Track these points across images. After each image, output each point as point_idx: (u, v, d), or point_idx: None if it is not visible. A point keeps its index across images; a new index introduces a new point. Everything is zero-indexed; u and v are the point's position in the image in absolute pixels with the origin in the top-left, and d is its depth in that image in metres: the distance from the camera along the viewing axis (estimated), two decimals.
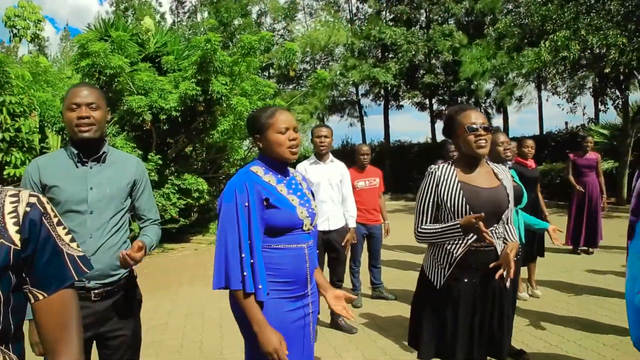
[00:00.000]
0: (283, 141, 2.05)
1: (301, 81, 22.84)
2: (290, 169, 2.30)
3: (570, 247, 7.12)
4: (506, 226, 2.33)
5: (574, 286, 5.43)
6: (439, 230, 2.23)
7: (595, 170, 7.07)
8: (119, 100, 8.56)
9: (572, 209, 7.15)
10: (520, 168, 4.85)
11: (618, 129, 13.00)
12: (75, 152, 2.14)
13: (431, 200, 2.30)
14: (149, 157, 8.57)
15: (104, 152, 2.19)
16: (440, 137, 24.41)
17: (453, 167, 2.31)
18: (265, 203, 1.99)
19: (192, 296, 5.96)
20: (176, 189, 9.12)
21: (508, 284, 2.31)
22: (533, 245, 4.97)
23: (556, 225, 3.53)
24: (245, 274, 1.89)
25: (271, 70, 23.29)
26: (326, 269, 4.36)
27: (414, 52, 16.83)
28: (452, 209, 2.22)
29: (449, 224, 2.20)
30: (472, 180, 2.25)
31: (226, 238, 1.94)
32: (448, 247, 2.26)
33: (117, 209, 2.17)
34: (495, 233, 2.24)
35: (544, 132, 17.91)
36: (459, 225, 2.15)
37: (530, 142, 5.39)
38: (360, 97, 22.08)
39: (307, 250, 2.07)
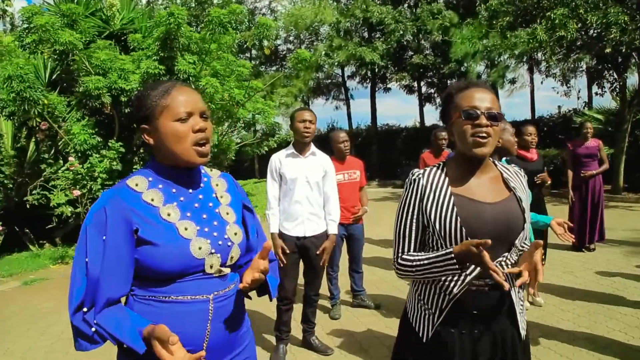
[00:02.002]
0: (184, 134, 1.36)
1: (285, 62, 21.90)
2: (212, 174, 1.58)
3: (573, 241, 6.51)
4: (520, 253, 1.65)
5: (579, 291, 4.82)
6: (426, 261, 1.55)
7: (599, 158, 6.42)
8: (74, 81, 7.69)
9: (574, 204, 6.49)
10: (522, 163, 4.17)
11: (613, 114, 12.43)
12: None
13: (414, 220, 1.61)
14: (110, 144, 7.75)
15: None
16: (429, 122, 23.79)
17: (444, 173, 1.62)
18: (135, 236, 1.32)
19: None
20: None
21: (524, 331, 1.63)
22: None
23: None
24: (93, 329, 1.30)
25: (253, 52, 22.32)
26: (301, 279, 3.68)
27: (401, 32, 16.03)
28: (443, 232, 1.53)
29: (438, 253, 1.52)
30: (471, 192, 1.57)
31: (74, 277, 1.33)
32: (439, 285, 1.58)
33: None
34: (506, 266, 1.56)
35: (536, 117, 17.33)
36: (452, 255, 1.47)
37: (531, 129, 4.67)
38: (346, 79, 21.26)
39: (212, 304, 1.38)
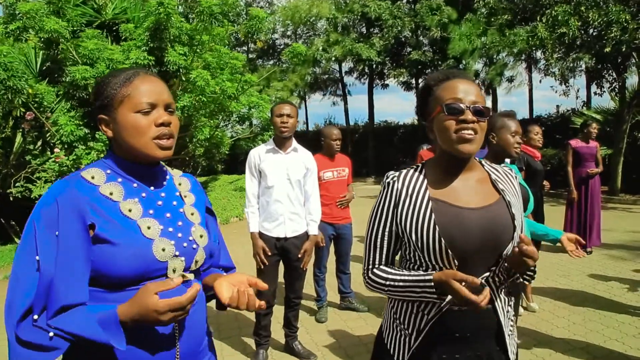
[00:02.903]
0: (144, 127, 1.21)
1: (282, 57, 21.66)
2: (174, 173, 1.42)
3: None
4: None
5: (575, 295, 4.66)
6: (401, 283, 1.37)
7: (596, 160, 6.26)
8: (60, 71, 7.47)
9: (573, 205, 6.31)
10: (530, 159, 4.00)
11: (612, 114, 12.27)
12: None
13: (387, 228, 1.43)
14: (97, 136, 7.55)
15: None
16: None
17: (422, 175, 1.43)
18: (91, 232, 1.14)
19: None
20: None
21: (513, 355, 1.45)
22: None
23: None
24: (51, 334, 1.09)
25: (251, 45, 22.07)
26: (283, 282, 3.50)
27: (399, 28, 15.80)
28: (420, 243, 1.35)
29: (416, 278, 1.34)
30: (453, 196, 1.38)
31: (17, 280, 1.12)
32: (416, 304, 1.41)
33: None
34: (493, 284, 1.37)
35: (534, 116, 17.16)
36: (432, 284, 1.30)
37: (537, 128, 4.53)
38: (343, 74, 21.03)
39: None
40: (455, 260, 1.32)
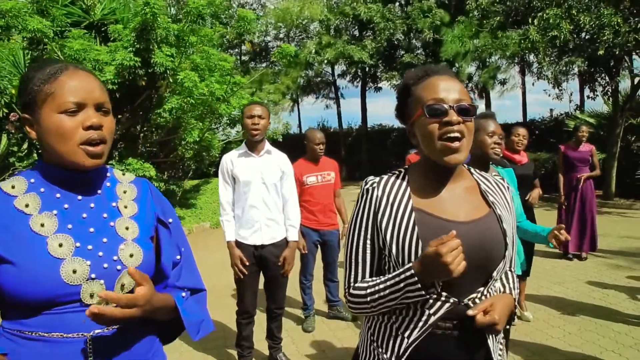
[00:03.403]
0: (70, 130, 1.07)
1: (276, 60, 21.51)
2: (124, 179, 1.27)
3: (560, 250, 6.24)
4: (503, 280, 1.33)
5: (570, 304, 4.53)
6: (381, 285, 1.22)
7: (591, 164, 6.14)
8: None
9: (562, 211, 6.23)
10: (509, 166, 3.85)
11: (605, 118, 12.21)
12: None
13: (368, 240, 1.29)
14: None
15: None
16: None
17: (405, 182, 1.29)
18: None
19: None
20: None
21: None
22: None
23: (545, 223, 2.51)
24: None
25: (243, 48, 21.90)
26: (263, 293, 3.34)
27: (391, 30, 15.69)
28: (401, 258, 1.20)
29: (395, 273, 1.20)
30: (439, 207, 1.24)
31: None
32: (395, 326, 1.25)
33: None
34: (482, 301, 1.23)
35: (527, 120, 17.10)
36: (412, 272, 1.15)
37: (522, 131, 4.39)
38: (336, 77, 20.89)
39: (89, 344, 1.05)
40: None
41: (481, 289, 1.22)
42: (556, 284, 5.17)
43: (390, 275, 1.21)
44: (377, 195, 1.27)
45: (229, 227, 3.10)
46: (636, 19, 8.97)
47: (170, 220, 1.29)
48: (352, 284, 1.31)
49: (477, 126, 2.41)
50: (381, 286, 1.22)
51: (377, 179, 1.30)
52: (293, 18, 16.86)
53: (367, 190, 1.29)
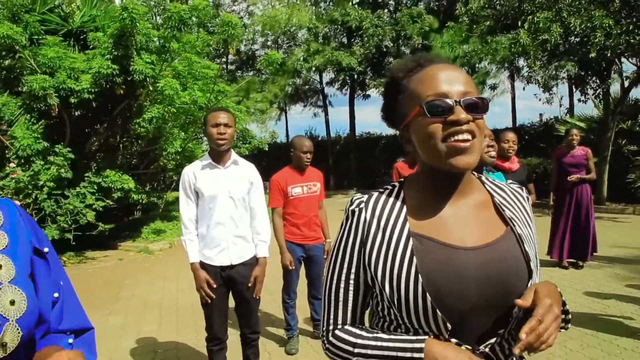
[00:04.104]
0: None
1: (262, 68, 21.29)
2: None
3: (555, 259, 6.01)
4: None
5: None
6: (376, 351, 0.95)
7: (586, 168, 5.92)
8: (16, 80, 6.98)
9: (556, 215, 6.02)
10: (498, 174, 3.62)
11: (596, 122, 12.10)
12: None
13: (352, 275, 1.02)
14: (56, 149, 7.04)
15: None
16: None
17: (400, 199, 1.02)
18: None
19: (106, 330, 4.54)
20: (95, 188, 7.61)
21: None
22: None
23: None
24: None
25: (230, 56, 21.66)
26: (235, 317, 3.05)
27: (380, 37, 15.55)
28: (396, 298, 0.94)
29: (400, 342, 0.93)
30: (442, 230, 0.97)
31: None
32: None
33: None
34: (502, 353, 0.96)
35: (517, 125, 17.01)
36: (421, 348, 0.89)
37: (510, 135, 4.21)
38: (324, 85, 20.70)
39: None
40: (448, 324, 0.91)
41: (500, 331, 0.95)
42: None
43: (390, 340, 0.95)
44: (365, 219, 1.01)
45: (192, 247, 2.80)
46: (627, 21, 8.85)
47: (46, 249, 1.01)
48: (331, 328, 1.05)
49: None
50: (376, 351, 0.95)
51: (365, 197, 1.04)
52: (281, 25, 16.65)
53: (353, 212, 1.03)
